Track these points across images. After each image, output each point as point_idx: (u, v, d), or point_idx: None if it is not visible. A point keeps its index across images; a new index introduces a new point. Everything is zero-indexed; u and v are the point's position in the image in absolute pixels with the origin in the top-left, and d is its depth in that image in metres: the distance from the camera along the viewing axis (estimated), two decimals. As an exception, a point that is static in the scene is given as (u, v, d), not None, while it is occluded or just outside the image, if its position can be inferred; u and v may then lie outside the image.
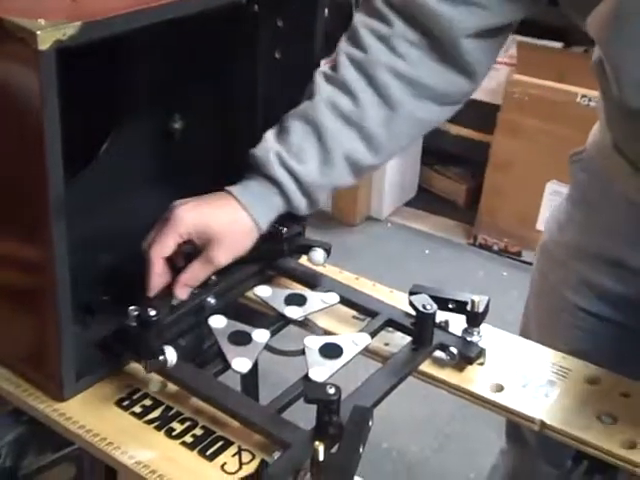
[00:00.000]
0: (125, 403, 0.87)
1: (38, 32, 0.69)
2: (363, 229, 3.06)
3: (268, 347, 0.90)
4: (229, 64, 1.08)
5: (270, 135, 0.95)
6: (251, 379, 0.98)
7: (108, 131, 1.11)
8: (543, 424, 0.87)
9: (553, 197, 2.64)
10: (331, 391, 0.77)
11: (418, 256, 2.87)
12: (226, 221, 0.92)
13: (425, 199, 3.22)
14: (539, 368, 0.94)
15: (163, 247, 0.91)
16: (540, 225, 2.65)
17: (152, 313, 0.87)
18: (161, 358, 0.85)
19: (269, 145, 0.94)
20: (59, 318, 0.82)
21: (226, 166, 1.10)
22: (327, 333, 0.97)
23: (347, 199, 2.96)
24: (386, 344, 0.97)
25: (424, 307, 0.90)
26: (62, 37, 0.70)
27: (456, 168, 3.23)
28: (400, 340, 0.96)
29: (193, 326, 0.94)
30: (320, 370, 0.86)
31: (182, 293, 0.93)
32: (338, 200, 2.96)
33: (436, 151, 3.10)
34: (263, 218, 0.93)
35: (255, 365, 0.91)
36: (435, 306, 0.91)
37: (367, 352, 0.94)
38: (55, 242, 0.79)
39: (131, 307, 0.88)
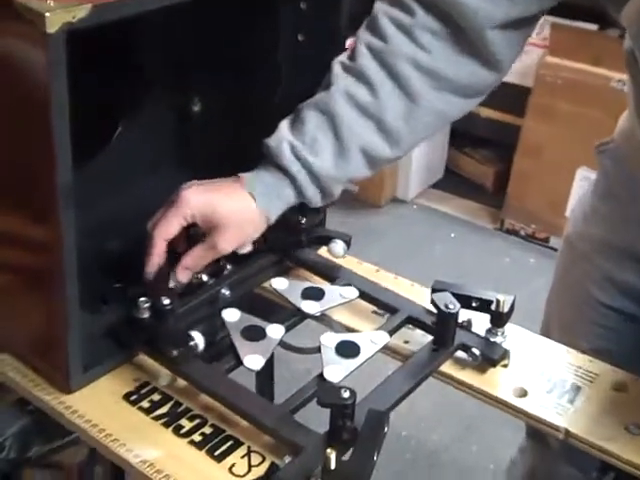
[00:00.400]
0: (133, 397, 0.85)
1: (47, 14, 0.65)
2: (388, 210, 3.02)
3: (282, 343, 0.87)
4: (250, 47, 1.04)
5: (284, 125, 0.91)
6: (265, 375, 0.95)
7: (123, 114, 1.08)
8: (568, 433, 0.83)
9: (584, 183, 2.57)
10: (345, 395, 0.74)
11: (443, 239, 2.82)
12: (233, 208, 0.88)
13: (452, 181, 3.16)
14: (564, 372, 0.90)
15: (168, 228, 0.87)
16: (570, 212, 2.59)
17: (166, 302, 0.84)
18: (192, 344, 0.82)
19: (282, 135, 0.90)
20: (66, 305, 0.79)
21: (245, 152, 1.06)
22: (345, 328, 0.94)
23: (373, 180, 2.88)
24: (406, 342, 0.93)
25: (446, 306, 0.87)
26: (71, 19, 0.67)
27: (485, 150, 3.16)
28: (420, 338, 0.93)
29: (205, 318, 0.91)
30: (336, 369, 0.83)
31: (183, 276, 0.90)
32: (364, 180, 2.91)
33: (465, 133, 3.04)
34: (272, 209, 0.90)
35: (270, 361, 0.88)
36: (458, 305, 0.87)
37: (386, 350, 0.91)
38: (63, 228, 0.76)
39: (141, 299, 0.85)
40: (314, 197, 0.91)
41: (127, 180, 1.06)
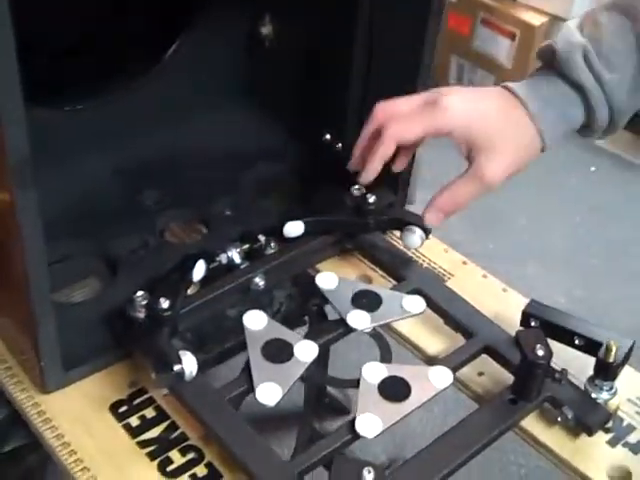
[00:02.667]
0: (122, 409, 0.68)
1: None
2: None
3: (310, 371, 0.67)
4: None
5: (573, 26, 0.71)
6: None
7: (179, 29, 0.89)
8: None
9: None
10: (369, 478, 0.55)
11: (581, 172, 2.51)
12: (504, 127, 0.70)
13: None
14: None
15: (408, 129, 0.69)
16: None
17: (165, 305, 0.66)
18: (176, 368, 0.63)
19: (574, 39, 0.70)
20: (28, 280, 0.60)
21: (319, 92, 0.87)
22: (402, 338, 0.74)
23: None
24: (480, 374, 0.72)
25: (534, 351, 0.64)
26: None
27: None
28: (499, 372, 0.71)
29: (222, 318, 0.72)
30: (372, 421, 0.62)
31: (433, 219, 0.72)
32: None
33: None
34: (550, 132, 0.71)
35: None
36: (550, 353, 0.64)
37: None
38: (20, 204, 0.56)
39: (138, 294, 0.67)
40: (602, 124, 0.72)
41: (179, 113, 0.88)
